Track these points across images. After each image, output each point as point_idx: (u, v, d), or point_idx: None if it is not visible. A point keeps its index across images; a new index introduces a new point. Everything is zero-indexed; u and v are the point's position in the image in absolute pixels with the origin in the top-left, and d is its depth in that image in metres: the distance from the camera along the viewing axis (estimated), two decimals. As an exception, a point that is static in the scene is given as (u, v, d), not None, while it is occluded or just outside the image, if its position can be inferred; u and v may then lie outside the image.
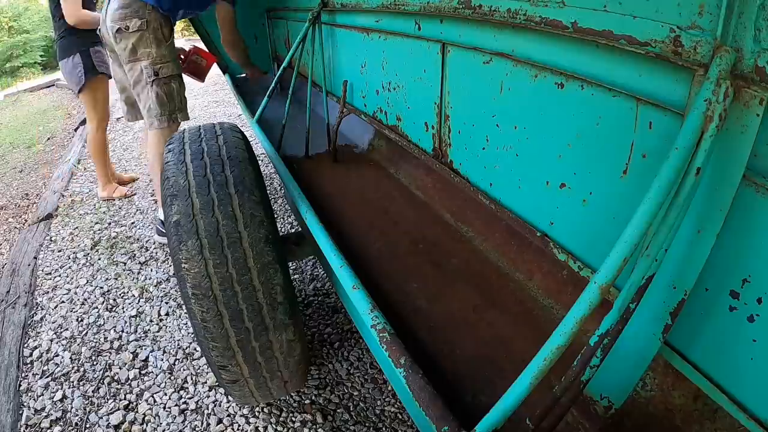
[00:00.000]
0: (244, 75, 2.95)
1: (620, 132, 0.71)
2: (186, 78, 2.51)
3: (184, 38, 11.71)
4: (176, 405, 1.39)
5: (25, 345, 1.68)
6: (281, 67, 1.93)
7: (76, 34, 2.45)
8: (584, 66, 0.75)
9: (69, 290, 2.00)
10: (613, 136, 0.73)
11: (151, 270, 2.13)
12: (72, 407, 1.40)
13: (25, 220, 2.79)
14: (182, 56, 2.44)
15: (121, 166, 3.44)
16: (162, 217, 2.19)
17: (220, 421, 1.33)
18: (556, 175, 0.87)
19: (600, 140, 0.76)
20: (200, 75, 2.54)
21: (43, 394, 1.45)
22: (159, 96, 1.96)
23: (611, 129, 0.73)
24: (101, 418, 1.36)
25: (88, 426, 1.34)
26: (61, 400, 1.43)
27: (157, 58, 1.90)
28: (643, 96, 0.66)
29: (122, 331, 1.72)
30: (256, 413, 1.35)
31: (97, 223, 2.62)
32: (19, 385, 1.50)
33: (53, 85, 8.06)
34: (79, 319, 1.80)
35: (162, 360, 1.57)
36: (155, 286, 2.01)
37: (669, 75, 0.62)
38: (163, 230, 2.21)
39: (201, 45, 2.89)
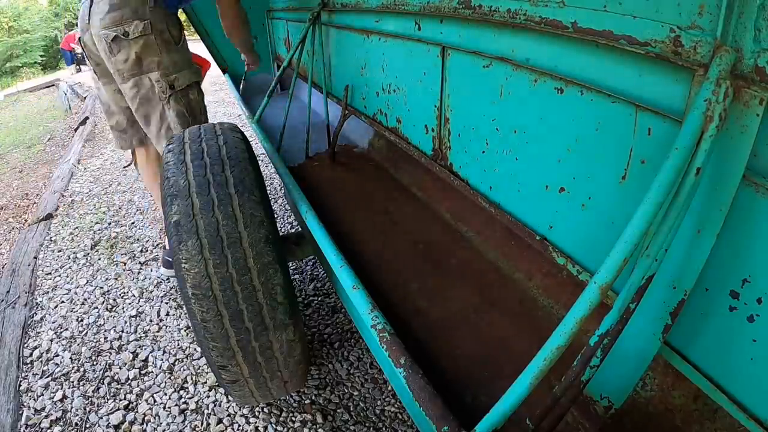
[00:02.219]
0: (243, 74, 2.73)
1: (619, 138, 0.71)
2: None
3: (184, 38, 11.54)
4: (176, 405, 1.39)
5: (25, 345, 1.68)
6: (281, 68, 1.93)
7: None
8: (584, 70, 0.75)
9: (69, 290, 2.00)
10: (612, 142, 0.73)
11: (151, 270, 2.13)
12: (72, 407, 1.40)
13: (25, 220, 2.79)
14: None
15: (120, 164, 3.45)
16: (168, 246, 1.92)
17: (220, 421, 1.33)
18: (556, 179, 0.87)
19: (599, 145, 0.76)
20: None
21: (43, 394, 1.45)
22: (180, 113, 1.58)
23: (610, 134, 0.73)
24: (101, 418, 1.36)
25: (88, 426, 1.34)
26: (61, 400, 1.43)
27: (170, 66, 1.53)
28: (643, 102, 0.66)
29: (122, 331, 1.72)
30: (256, 413, 1.35)
31: (97, 223, 2.62)
32: (19, 385, 1.50)
33: (53, 85, 8.05)
34: (79, 319, 1.80)
35: (162, 360, 1.57)
36: (155, 286, 2.01)
37: (669, 75, 0.62)
38: (170, 259, 1.87)
39: (199, 45, 2.88)
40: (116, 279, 2.06)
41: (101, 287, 2.00)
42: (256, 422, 1.32)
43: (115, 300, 1.91)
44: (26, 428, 1.35)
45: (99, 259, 2.23)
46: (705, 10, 0.53)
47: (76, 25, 2.05)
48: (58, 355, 1.62)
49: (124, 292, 1.96)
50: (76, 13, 13.93)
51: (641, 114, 0.67)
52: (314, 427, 1.30)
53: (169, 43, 1.53)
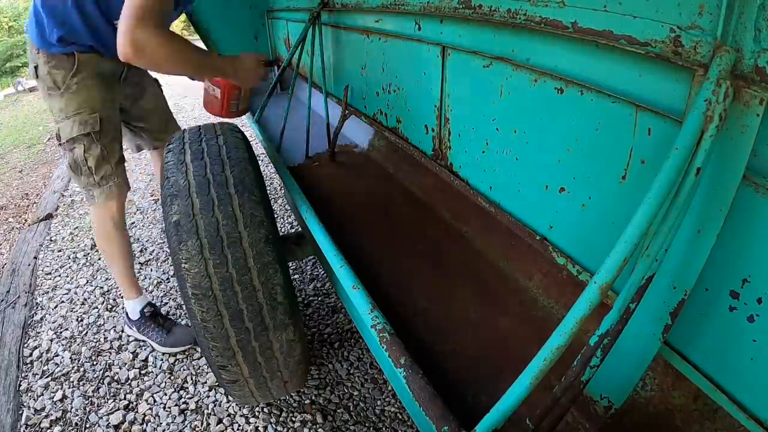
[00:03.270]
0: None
1: (619, 138, 0.71)
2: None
3: (184, 38, 11.30)
4: (176, 405, 1.39)
5: (25, 345, 1.68)
6: (281, 67, 1.93)
7: None
8: (584, 70, 0.75)
9: (69, 290, 2.00)
10: (612, 142, 0.73)
11: (151, 270, 2.13)
12: (72, 407, 1.40)
13: (25, 220, 2.79)
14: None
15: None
16: (129, 309, 1.66)
17: (220, 421, 1.33)
18: (556, 179, 0.87)
19: (599, 145, 0.76)
20: (216, 108, 1.63)
21: (43, 394, 1.45)
22: (67, 164, 1.44)
23: (610, 134, 0.73)
24: (101, 418, 1.36)
25: (88, 426, 1.34)
26: (61, 400, 1.43)
27: (56, 113, 1.39)
28: (643, 102, 0.66)
29: (122, 331, 1.72)
30: (256, 413, 1.35)
31: (97, 223, 2.61)
32: (19, 385, 1.50)
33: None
34: (79, 319, 1.80)
35: (162, 360, 1.57)
36: (155, 285, 2.01)
37: (669, 75, 0.62)
38: (127, 320, 1.67)
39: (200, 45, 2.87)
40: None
41: (101, 287, 2.00)
42: (256, 422, 1.32)
43: (115, 300, 1.91)
44: (26, 428, 1.35)
45: (99, 259, 2.22)
46: (705, 10, 0.53)
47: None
48: (58, 355, 1.62)
49: (124, 292, 1.96)
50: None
51: (641, 114, 0.67)
52: (314, 427, 1.30)
53: (52, 88, 1.37)
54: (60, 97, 1.36)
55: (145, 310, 1.63)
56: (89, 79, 1.40)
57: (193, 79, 1.73)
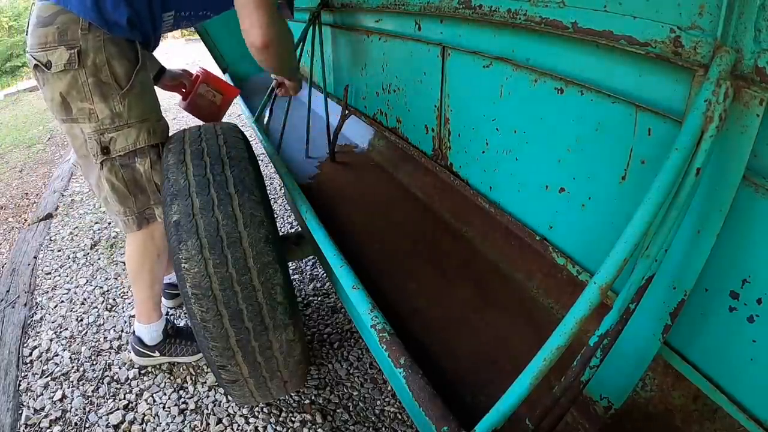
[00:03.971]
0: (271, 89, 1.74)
1: (619, 138, 0.71)
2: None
3: (184, 38, 10.81)
4: (176, 405, 1.39)
5: (25, 345, 1.68)
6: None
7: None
8: (584, 70, 0.75)
9: (69, 290, 1.99)
10: (612, 142, 0.73)
11: (151, 270, 2.12)
12: (71, 407, 1.40)
13: (25, 220, 2.79)
14: (184, 86, 1.58)
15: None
16: (139, 333, 1.47)
17: (219, 421, 1.33)
18: (556, 179, 0.87)
19: (599, 146, 0.76)
20: (214, 116, 1.61)
21: (42, 394, 1.45)
22: (115, 187, 1.16)
23: (610, 135, 0.73)
24: (101, 417, 1.36)
25: (87, 426, 1.34)
26: (60, 400, 1.43)
27: (106, 119, 1.08)
28: (643, 102, 0.66)
29: (122, 331, 1.72)
30: (256, 413, 1.35)
31: (96, 222, 2.62)
32: (19, 385, 1.50)
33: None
34: (79, 318, 1.80)
35: (162, 360, 1.57)
36: (155, 286, 2.00)
37: (669, 76, 0.62)
38: (141, 349, 1.48)
39: (199, 45, 2.85)
40: (116, 278, 2.06)
41: (101, 287, 2.00)
42: (255, 422, 1.32)
43: (114, 300, 1.91)
44: (26, 428, 1.35)
45: (99, 259, 2.22)
46: (705, 10, 0.53)
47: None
48: (57, 355, 1.61)
49: (124, 292, 1.96)
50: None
51: (641, 114, 0.67)
52: (314, 427, 1.30)
53: (108, 85, 1.06)
54: (119, 97, 1.08)
55: (168, 330, 1.50)
56: (149, 78, 1.19)
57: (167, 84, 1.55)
